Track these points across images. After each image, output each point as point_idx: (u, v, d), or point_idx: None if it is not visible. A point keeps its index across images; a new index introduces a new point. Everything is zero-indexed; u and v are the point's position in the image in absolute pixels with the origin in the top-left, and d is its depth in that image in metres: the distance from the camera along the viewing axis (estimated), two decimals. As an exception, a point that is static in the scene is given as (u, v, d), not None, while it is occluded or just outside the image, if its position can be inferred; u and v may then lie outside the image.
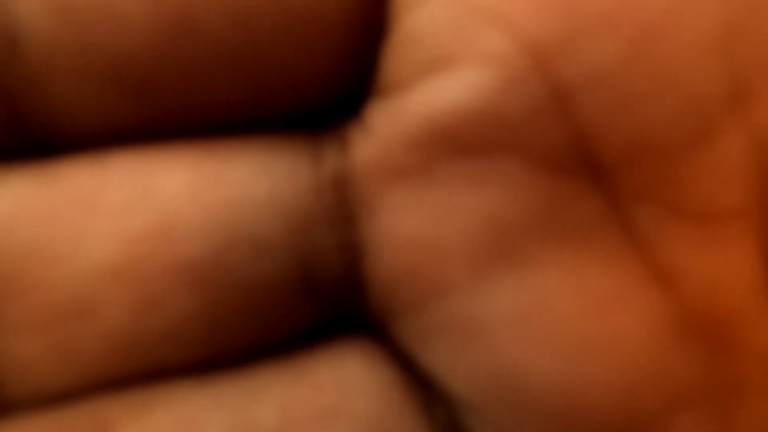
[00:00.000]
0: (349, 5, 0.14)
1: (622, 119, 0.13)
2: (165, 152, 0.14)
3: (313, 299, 0.14)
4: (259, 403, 0.14)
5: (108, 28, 0.13)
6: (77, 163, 0.14)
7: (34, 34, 0.13)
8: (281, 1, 0.13)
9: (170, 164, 0.14)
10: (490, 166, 0.13)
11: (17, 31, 0.13)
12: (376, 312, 0.14)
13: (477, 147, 0.13)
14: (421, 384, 0.14)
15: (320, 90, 0.14)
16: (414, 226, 0.14)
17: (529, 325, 0.13)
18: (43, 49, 0.13)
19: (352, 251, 0.14)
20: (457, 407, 0.14)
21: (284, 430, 0.14)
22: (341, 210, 0.14)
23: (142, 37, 0.13)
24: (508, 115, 0.13)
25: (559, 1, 0.13)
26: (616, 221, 0.13)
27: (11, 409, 0.14)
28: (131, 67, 0.13)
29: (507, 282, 0.13)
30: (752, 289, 0.14)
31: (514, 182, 0.13)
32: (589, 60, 0.13)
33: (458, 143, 0.13)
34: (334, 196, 0.14)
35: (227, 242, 0.14)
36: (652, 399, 0.13)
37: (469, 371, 0.14)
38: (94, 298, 0.13)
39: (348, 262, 0.14)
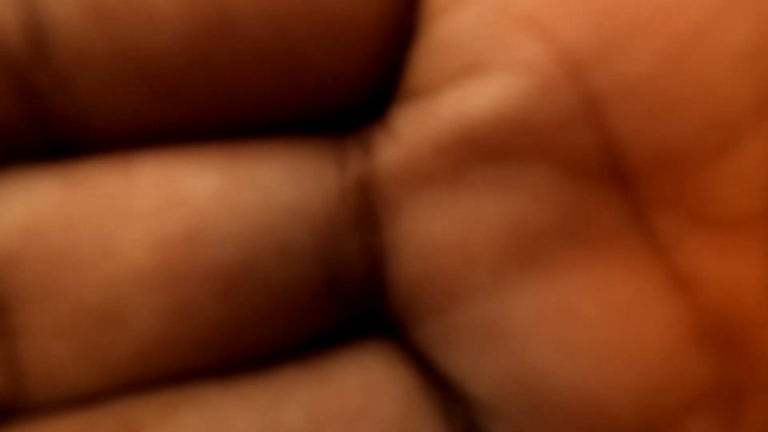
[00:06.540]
0: (381, 8, 0.13)
1: (651, 128, 0.13)
2: (193, 156, 0.14)
3: (336, 302, 0.14)
4: (286, 405, 0.14)
5: (141, 29, 0.13)
6: (106, 166, 0.14)
7: (64, 33, 0.13)
8: (315, 4, 0.13)
9: (199, 168, 0.14)
10: (517, 173, 0.13)
11: (47, 30, 0.13)
12: (397, 315, 0.14)
13: (505, 153, 0.13)
14: (439, 386, 0.14)
15: (348, 92, 0.14)
16: (438, 230, 0.14)
17: (550, 329, 0.13)
18: (74, 49, 0.13)
19: (375, 255, 0.14)
20: (476, 410, 0.14)
21: (311, 431, 0.14)
22: (366, 214, 0.14)
23: (176, 37, 0.13)
24: (539, 122, 0.13)
25: (595, 9, 0.13)
26: (638, 228, 0.13)
27: (40, 412, 0.13)
28: (163, 67, 0.13)
29: (529, 286, 0.13)
30: (767, 295, 0.14)
31: (541, 189, 0.13)
32: (623, 70, 0.13)
33: (486, 149, 0.13)
34: (359, 200, 0.14)
35: (256, 247, 0.13)
36: (668, 401, 0.14)
37: (490, 374, 0.14)
38: (123, 303, 0.13)
39: (371, 265, 0.14)
